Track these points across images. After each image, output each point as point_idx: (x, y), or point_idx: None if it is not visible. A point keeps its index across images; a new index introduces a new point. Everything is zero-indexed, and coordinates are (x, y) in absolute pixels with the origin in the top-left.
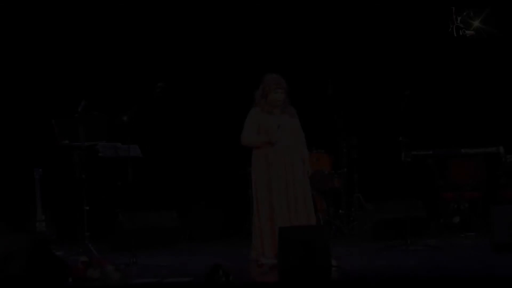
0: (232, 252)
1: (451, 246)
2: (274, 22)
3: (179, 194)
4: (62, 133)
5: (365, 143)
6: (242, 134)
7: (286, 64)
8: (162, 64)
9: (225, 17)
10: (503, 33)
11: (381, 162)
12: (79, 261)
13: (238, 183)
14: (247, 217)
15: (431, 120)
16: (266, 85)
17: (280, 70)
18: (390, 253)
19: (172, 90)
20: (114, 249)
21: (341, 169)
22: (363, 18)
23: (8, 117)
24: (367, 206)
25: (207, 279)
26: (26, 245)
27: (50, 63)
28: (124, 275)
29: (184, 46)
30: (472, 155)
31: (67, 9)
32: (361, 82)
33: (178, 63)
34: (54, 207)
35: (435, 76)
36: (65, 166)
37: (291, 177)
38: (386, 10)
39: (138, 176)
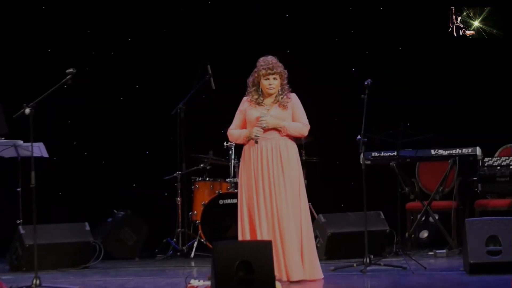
0: (156, 273)
1: (418, 266)
2: None
3: (93, 203)
4: None
5: (315, 143)
6: (230, 127)
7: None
8: (77, 46)
9: None
10: None
11: (335, 166)
12: None
13: (163, 190)
14: (174, 231)
15: (394, 116)
16: (256, 70)
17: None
18: (345, 274)
19: (85, 78)
20: (13, 269)
21: None
22: None
23: None
24: (318, 218)
25: None
26: None
27: None
28: None
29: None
30: (444, 157)
31: None
32: (313, 67)
33: (99, 44)
34: None
35: (401, 63)
36: None
37: (271, 180)
38: None
39: (43, 180)
